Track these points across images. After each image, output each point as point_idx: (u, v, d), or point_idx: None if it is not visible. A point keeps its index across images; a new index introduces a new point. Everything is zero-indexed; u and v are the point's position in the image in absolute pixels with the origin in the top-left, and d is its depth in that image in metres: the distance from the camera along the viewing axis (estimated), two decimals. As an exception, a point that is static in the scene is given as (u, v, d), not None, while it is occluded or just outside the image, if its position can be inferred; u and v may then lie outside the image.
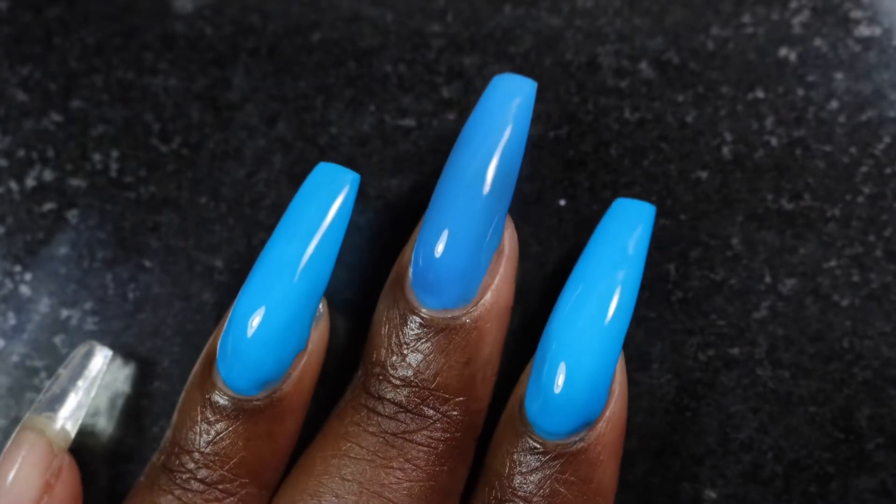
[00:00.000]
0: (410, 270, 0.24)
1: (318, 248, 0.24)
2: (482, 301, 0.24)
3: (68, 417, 0.26)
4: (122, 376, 0.28)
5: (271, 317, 0.24)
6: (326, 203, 0.24)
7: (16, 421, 0.28)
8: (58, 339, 0.28)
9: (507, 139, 0.24)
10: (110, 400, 0.28)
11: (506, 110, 0.24)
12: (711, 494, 0.27)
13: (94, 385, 0.26)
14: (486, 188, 0.24)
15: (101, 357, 0.26)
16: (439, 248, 0.24)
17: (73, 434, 0.26)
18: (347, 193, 0.24)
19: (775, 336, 0.27)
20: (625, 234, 0.25)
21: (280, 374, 0.24)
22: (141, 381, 0.28)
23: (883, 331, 0.27)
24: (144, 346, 0.28)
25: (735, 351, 0.27)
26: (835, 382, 0.27)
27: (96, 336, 0.28)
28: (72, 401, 0.26)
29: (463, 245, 0.24)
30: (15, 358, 0.28)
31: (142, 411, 0.28)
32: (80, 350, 0.26)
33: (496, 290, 0.25)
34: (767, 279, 0.27)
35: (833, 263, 0.27)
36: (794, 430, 0.27)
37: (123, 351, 0.27)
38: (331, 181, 0.24)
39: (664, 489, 0.27)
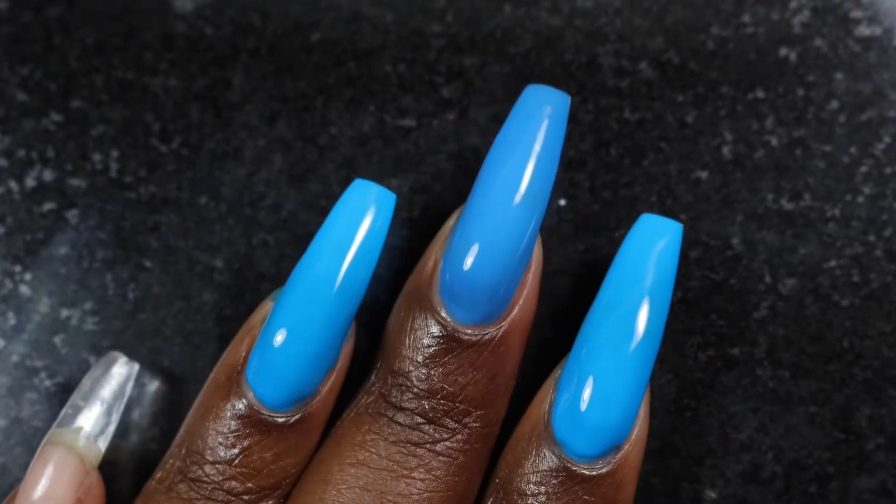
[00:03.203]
0: (438, 282, 0.24)
1: (356, 267, 0.23)
2: (510, 316, 0.24)
3: (98, 432, 0.25)
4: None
5: (310, 337, 0.23)
6: (362, 222, 0.24)
7: (16, 421, 0.28)
8: (58, 339, 0.28)
9: (539, 152, 0.23)
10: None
11: (540, 121, 0.24)
12: (711, 494, 0.27)
13: (122, 400, 0.26)
14: (517, 204, 0.23)
15: (127, 370, 0.26)
16: (468, 263, 0.23)
17: (103, 450, 0.25)
18: (385, 211, 0.24)
19: (775, 336, 0.27)
20: (652, 255, 0.24)
21: (313, 391, 0.24)
22: (142, 383, 0.28)
23: (883, 331, 0.27)
24: (144, 346, 0.28)
25: (735, 351, 0.27)
26: (835, 382, 0.27)
27: (96, 336, 0.28)
28: (97, 414, 0.25)
29: (499, 261, 0.23)
30: (15, 358, 0.28)
31: (142, 411, 0.28)
32: (104, 361, 0.26)
33: (523, 304, 0.24)
34: (767, 279, 0.27)
35: (833, 263, 0.27)
36: (794, 430, 0.27)
37: (123, 351, 0.27)
38: (367, 199, 0.24)
39: (664, 489, 0.27)
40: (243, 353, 0.25)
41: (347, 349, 0.25)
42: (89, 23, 0.29)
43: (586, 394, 0.23)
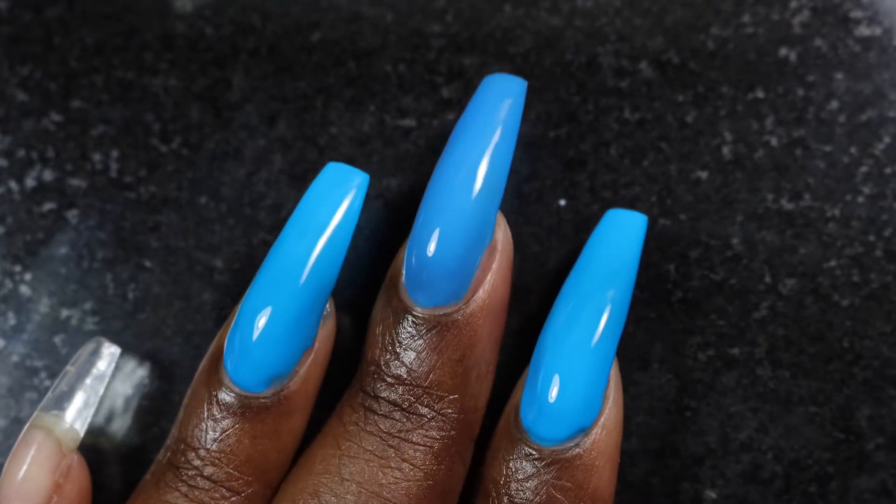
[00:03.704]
0: (403, 270, 0.25)
1: (326, 247, 0.24)
2: (475, 298, 0.25)
3: (76, 416, 0.26)
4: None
5: (279, 315, 0.24)
6: (335, 202, 0.24)
7: (16, 421, 0.28)
8: (58, 339, 0.28)
9: (496, 140, 0.24)
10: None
11: (496, 111, 0.24)
12: (711, 494, 0.27)
13: (102, 383, 0.26)
14: (476, 188, 0.24)
15: (109, 354, 0.26)
16: (431, 248, 0.24)
17: (81, 433, 0.26)
18: (356, 193, 0.24)
19: (775, 336, 0.27)
20: (616, 247, 0.25)
21: (287, 372, 0.24)
22: (142, 381, 0.28)
23: (883, 331, 0.27)
24: (144, 346, 0.28)
25: (735, 351, 0.27)
26: (835, 382, 0.27)
27: (96, 336, 0.28)
28: (80, 399, 0.26)
29: (453, 244, 0.24)
30: (15, 358, 0.28)
31: (142, 411, 0.28)
32: (88, 347, 0.26)
33: (489, 286, 0.25)
34: (767, 279, 0.27)
35: (833, 263, 0.27)
36: (794, 430, 0.27)
37: (124, 351, 0.27)
38: (340, 180, 0.24)
39: (664, 489, 0.27)
40: (225, 341, 0.25)
41: (326, 331, 0.25)
42: (89, 23, 0.29)
43: (545, 379, 0.24)
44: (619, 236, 0.25)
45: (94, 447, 0.27)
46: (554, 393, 0.24)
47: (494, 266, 0.25)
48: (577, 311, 0.24)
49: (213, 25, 0.29)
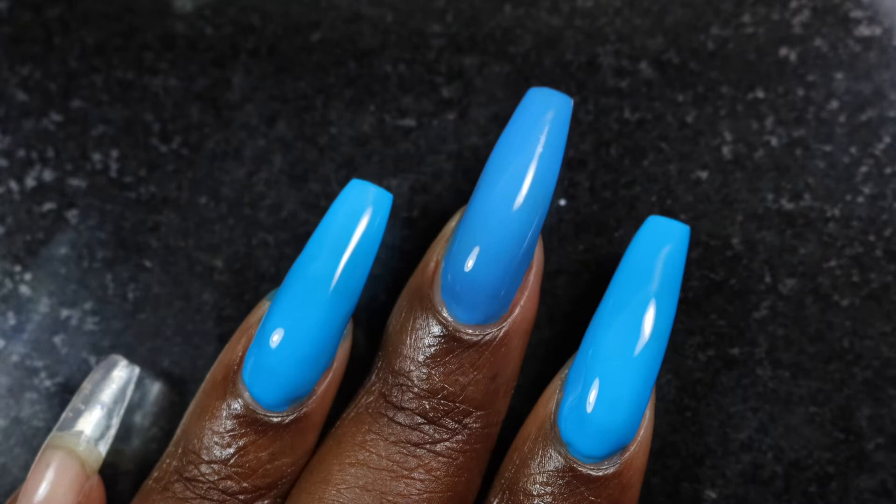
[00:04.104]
0: (440, 282, 0.24)
1: (351, 267, 0.23)
2: (511, 317, 0.24)
3: (99, 437, 0.25)
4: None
5: (305, 337, 0.23)
6: (358, 221, 0.24)
7: (16, 421, 0.28)
8: (58, 339, 0.28)
9: (541, 156, 0.23)
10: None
11: (539, 127, 0.24)
12: (711, 494, 0.27)
13: (122, 404, 0.26)
14: (519, 207, 0.23)
15: (127, 373, 0.26)
16: (469, 265, 0.23)
17: (104, 454, 0.25)
18: (382, 213, 0.24)
19: (775, 336, 0.27)
20: (658, 257, 0.24)
21: (309, 391, 0.24)
22: (141, 382, 0.28)
23: (883, 331, 0.27)
24: (144, 346, 0.28)
25: (735, 351, 0.27)
26: (835, 382, 0.27)
27: (96, 336, 0.28)
28: (99, 417, 0.25)
29: (499, 263, 0.23)
30: (15, 358, 0.28)
31: (141, 411, 0.28)
32: (105, 364, 0.26)
33: (524, 306, 0.24)
34: (767, 279, 0.27)
35: (833, 263, 0.27)
36: (794, 430, 0.27)
37: (123, 351, 0.27)
38: (364, 199, 0.24)
39: (664, 489, 0.27)
40: (240, 353, 0.25)
41: (344, 349, 0.25)
42: (89, 23, 0.29)
43: (593, 395, 0.23)
44: (663, 246, 0.24)
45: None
46: (603, 411, 0.23)
47: (530, 284, 0.25)
48: (622, 325, 0.23)
49: (213, 25, 0.29)
